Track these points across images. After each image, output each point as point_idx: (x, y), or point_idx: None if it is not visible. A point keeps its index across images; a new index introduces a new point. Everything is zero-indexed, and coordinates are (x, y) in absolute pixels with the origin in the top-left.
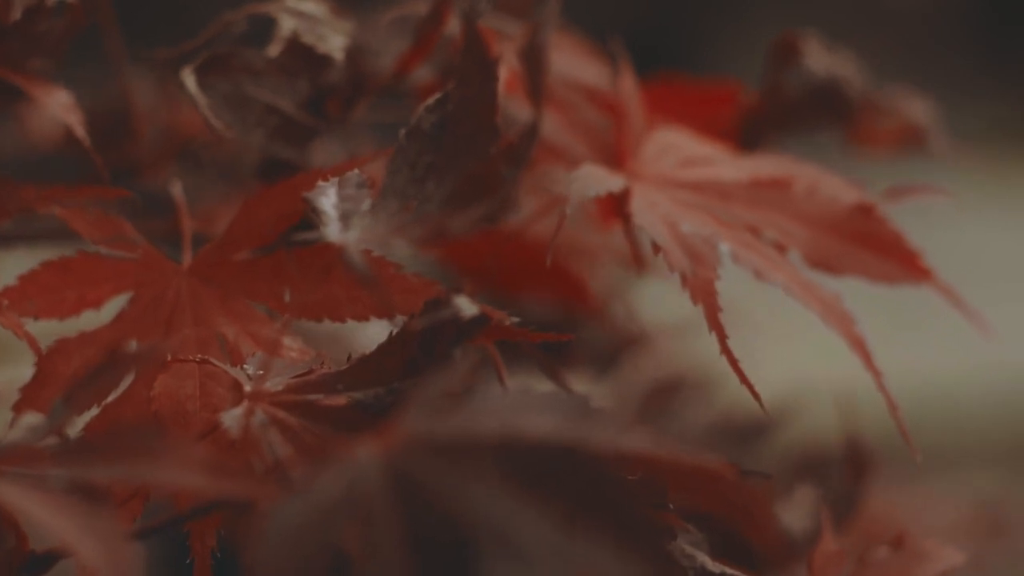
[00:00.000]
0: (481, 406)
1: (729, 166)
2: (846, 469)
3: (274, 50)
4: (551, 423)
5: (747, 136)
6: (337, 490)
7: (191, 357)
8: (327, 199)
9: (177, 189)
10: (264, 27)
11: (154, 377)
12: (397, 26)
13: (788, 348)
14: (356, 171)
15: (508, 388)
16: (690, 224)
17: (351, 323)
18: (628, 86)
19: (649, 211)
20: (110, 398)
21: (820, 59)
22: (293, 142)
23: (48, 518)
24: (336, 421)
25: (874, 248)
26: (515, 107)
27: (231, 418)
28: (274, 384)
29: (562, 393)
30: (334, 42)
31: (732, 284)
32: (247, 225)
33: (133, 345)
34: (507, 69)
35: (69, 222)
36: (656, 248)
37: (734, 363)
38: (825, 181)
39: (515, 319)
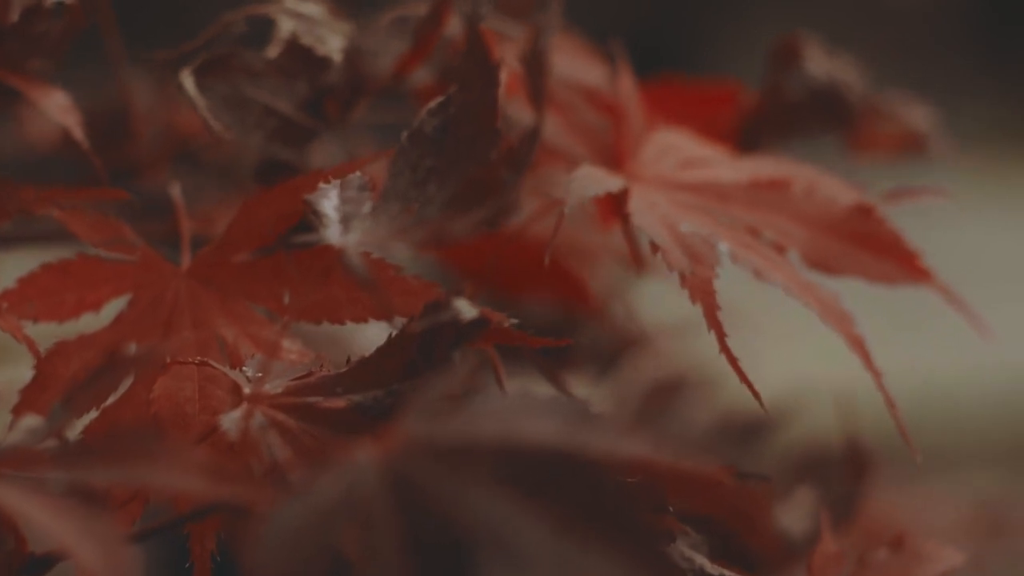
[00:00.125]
0: (480, 410)
1: (728, 167)
2: (846, 470)
3: (273, 51)
4: (550, 427)
5: (747, 138)
6: (336, 493)
7: (190, 359)
8: (327, 201)
9: (176, 190)
10: (263, 28)
11: (153, 379)
12: (396, 27)
13: (788, 348)
14: (358, 173)
15: (507, 392)
16: (689, 224)
17: (350, 325)
18: (627, 87)
19: (648, 211)
20: (109, 401)
21: (821, 63)
22: (292, 144)
23: (47, 521)
24: (335, 424)
25: (873, 248)
26: (516, 109)
27: (230, 420)
28: (273, 386)
29: (561, 397)
30: (333, 44)
31: (731, 284)
32: (246, 227)
33: (132, 347)
34: (508, 71)
35: (68, 224)
36: (655, 248)
37: (733, 362)
38: (824, 182)
39: (515, 321)
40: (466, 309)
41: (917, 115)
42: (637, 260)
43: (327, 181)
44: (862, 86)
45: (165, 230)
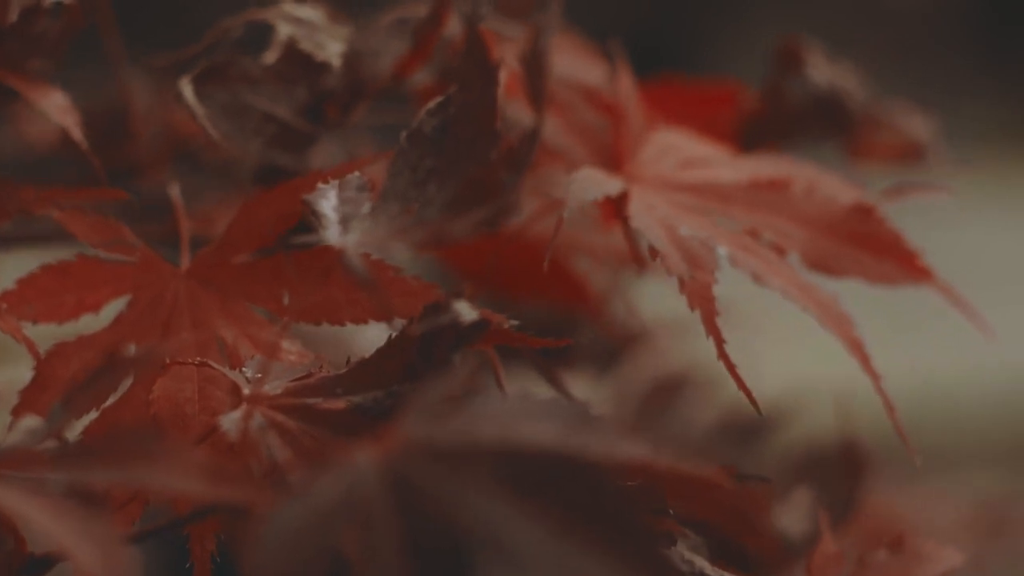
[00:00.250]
0: (480, 411)
1: (728, 167)
2: (843, 470)
3: (271, 57)
4: (550, 430)
5: (746, 142)
6: (335, 494)
7: (190, 360)
8: (327, 202)
9: (175, 191)
10: (262, 31)
11: (153, 380)
12: (396, 28)
13: (789, 348)
14: (356, 174)
15: (507, 394)
16: (688, 227)
17: (350, 326)
18: (627, 88)
19: (647, 214)
20: (109, 402)
21: (822, 69)
22: (291, 149)
23: (46, 521)
24: (335, 425)
25: (873, 249)
26: (516, 110)
27: (230, 421)
28: (273, 387)
29: (561, 399)
30: (332, 48)
31: (732, 284)
32: (246, 228)
33: (131, 348)
34: (508, 72)
35: (67, 225)
36: (654, 252)
37: (731, 368)
38: (823, 181)
39: (515, 323)
40: (466, 311)
41: (917, 124)
42: (637, 261)
43: (326, 182)
44: (863, 94)
45: (164, 231)
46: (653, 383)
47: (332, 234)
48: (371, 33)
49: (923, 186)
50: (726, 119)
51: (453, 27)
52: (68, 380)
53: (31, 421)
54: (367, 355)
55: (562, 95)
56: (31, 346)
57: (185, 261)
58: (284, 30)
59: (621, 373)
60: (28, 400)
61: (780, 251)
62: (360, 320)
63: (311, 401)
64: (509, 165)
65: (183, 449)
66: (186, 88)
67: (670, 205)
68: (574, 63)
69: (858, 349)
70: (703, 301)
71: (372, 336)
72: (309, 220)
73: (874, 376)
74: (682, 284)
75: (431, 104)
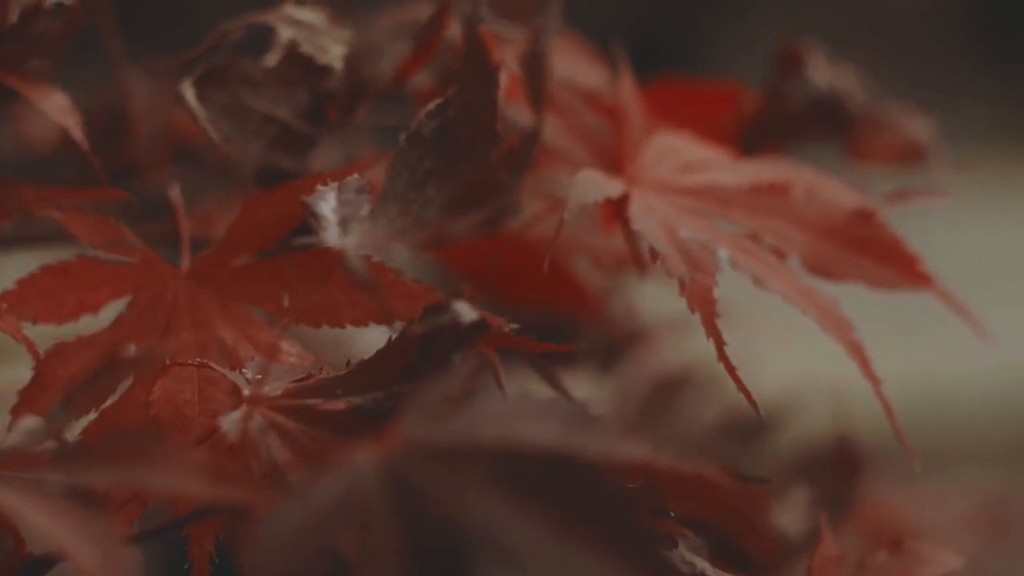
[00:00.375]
0: (480, 412)
1: (728, 171)
2: (839, 469)
3: (272, 59)
4: (549, 430)
5: (747, 143)
6: (335, 495)
7: (189, 361)
8: (326, 203)
9: (175, 192)
10: (263, 34)
11: (152, 381)
12: (397, 30)
13: (790, 348)
14: (355, 176)
15: (507, 394)
16: (688, 230)
17: (350, 328)
18: (628, 90)
19: (647, 216)
20: (108, 402)
21: (823, 71)
22: (292, 151)
23: (46, 522)
24: (334, 426)
25: (873, 253)
26: (515, 112)
27: (229, 422)
28: (273, 388)
29: (561, 400)
30: (333, 52)
31: (732, 284)
32: (246, 229)
33: (131, 349)
34: (507, 74)
35: (67, 225)
36: (654, 254)
37: (731, 370)
38: (824, 186)
39: (514, 325)
40: (466, 312)
41: (917, 126)
42: (638, 263)
43: (326, 184)
44: (863, 95)
45: (165, 231)
46: (654, 382)
47: (332, 236)
48: (372, 35)
49: (923, 192)
50: (726, 120)
51: (454, 30)
52: (68, 380)
53: (30, 421)
54: (367, 356)
55: (562, 97)
56: (31, 346)
57: (185, 262)
58: (285, 33)
59: (622, 373)
60: (27, 400)
61: (780, 255)
62: (360, 322)
63: (311, 402)
64: (509, 166)
65: (183, 450)
66: (187, 89)
67: (671, 208)
68: (574, 65)
69: (858, 353)
70: (703, 303)
71: (372, 338)
72: (309, 222)
73: (874, 380)
74: (682, 286)
75: (430, 106)
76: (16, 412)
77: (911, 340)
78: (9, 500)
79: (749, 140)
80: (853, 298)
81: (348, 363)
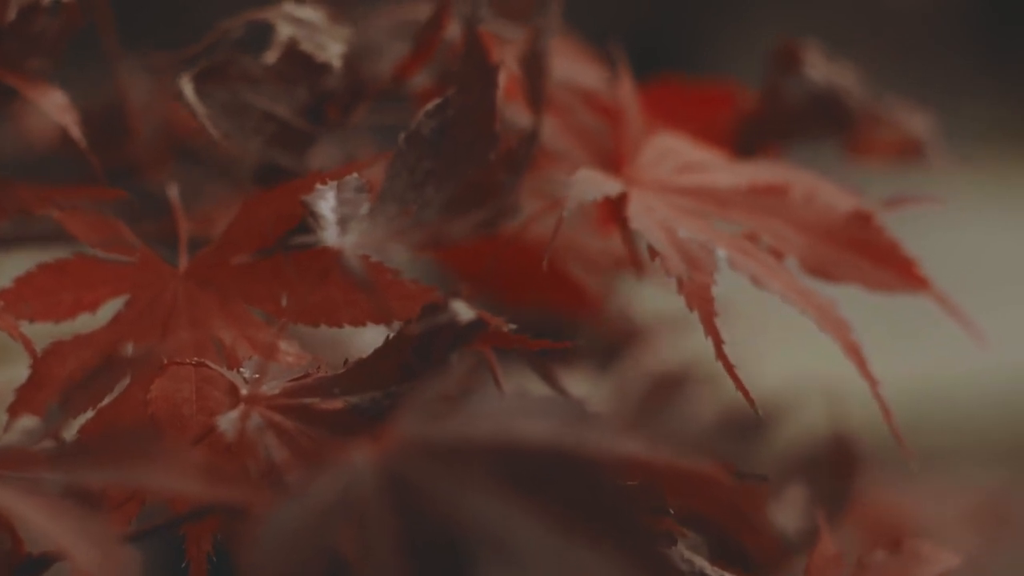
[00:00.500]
0: (477, 410)
1: (726, 172)
2: (837, 467)
3: (272, 57)
4: (547, 428)
5: (745, 141)
6: (333, 494)
7: (187, 360)
8: (325, 203)
9: (173, 191)
10: (263, 32)
11: (150, 380)
12: (396, 29)
13: (789, 346)
14: (354, 175)
15: (504, 392)
16: (687, 230)
17: (348, 328)
18: (626, 91)
19: (646, 216)
20: (106, 401)
21: (820, 68)
22: (291, 149)
23: (43, 521)
24: (332, 425)
25: (871, 256)
26: (515, 112)
27: (227, 422)
28: (270, 388)
29: (558, 398)
30: (332, 50)
31: (732, 283)
32: (244, 228)
33: (129, 348)
34: (507, 74)
35: (66, 224)
36: (653, 253)
37: (729, 368)
38: (822, 188)
39: (512, 325)
40: (464, 311)
41: (916, 122)
42: (636, 263)
43: (325, 183)
44: (861, 92)
45: (163, 230)
46: (652, 381)
47: (330, 235)
48: (371, 34)
49: (921, 197)
50: (725, 119)
51: (454, 29)
52: (65, 379)
53: (28, 420)
54: (365, 356)
55: (561, 98)
56: (28, 345)
57: (183, 261)
58: (285, 31)
59: (620, 370)
60: (24, 399)
61: (778, 255)
62: (358, 322)
63: (308, 401)
64: (508, 167)
65: (180, 449)
66: (187, 86)
67: (669, 208)
68: (573, 66)
69: (856, 354)
70: (702, 302)
71: (370, 337)
72: (308, 221)
73: (871, 381)
74: (681, 285)
75: (429, 106)
76: (13, 411)
77: (909, 342)
78: (7, 499)
79: (748, 139)
80: (851, 299)
81: (346, 362)
